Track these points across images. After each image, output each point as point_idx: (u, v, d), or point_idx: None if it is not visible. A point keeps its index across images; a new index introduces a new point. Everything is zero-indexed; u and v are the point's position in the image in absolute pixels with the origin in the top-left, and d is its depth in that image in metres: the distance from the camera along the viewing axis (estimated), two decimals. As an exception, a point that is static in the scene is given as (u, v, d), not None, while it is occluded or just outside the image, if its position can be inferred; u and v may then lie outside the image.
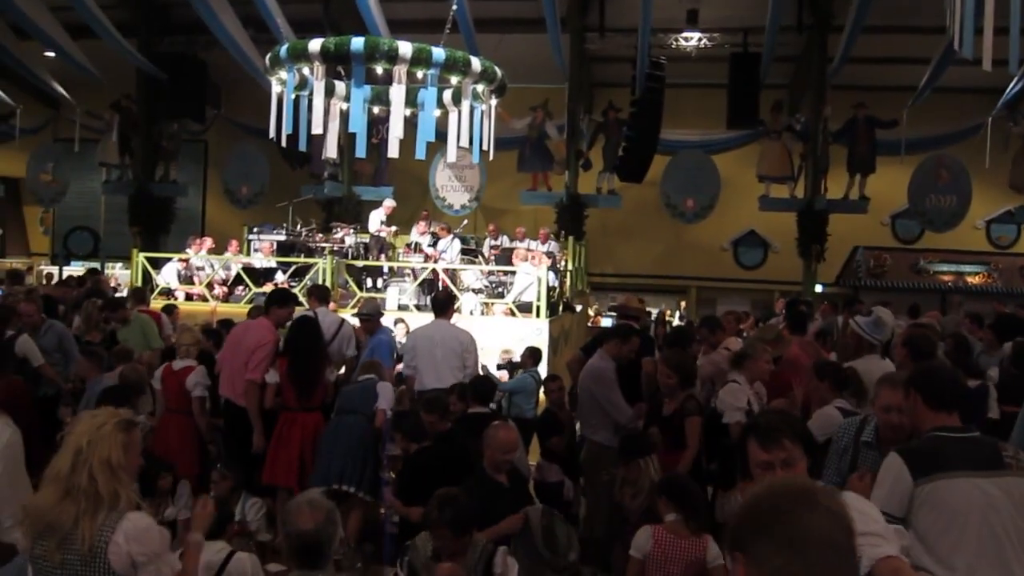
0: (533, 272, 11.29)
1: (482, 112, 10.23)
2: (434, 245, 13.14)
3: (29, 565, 2.77)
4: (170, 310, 9.97)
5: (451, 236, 13.19)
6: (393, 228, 13.66)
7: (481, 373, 7.16)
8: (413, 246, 13.29)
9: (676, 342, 6.80)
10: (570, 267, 13.83)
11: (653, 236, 19.01)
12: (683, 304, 19.38)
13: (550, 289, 11.54)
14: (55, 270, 18.10)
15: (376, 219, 13.76)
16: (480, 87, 9.70)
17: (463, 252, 13.00)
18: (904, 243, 19.12)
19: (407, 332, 8.66)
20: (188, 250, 12.98)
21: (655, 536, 4.01)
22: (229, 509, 4.94)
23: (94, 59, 15.79)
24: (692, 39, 15.83)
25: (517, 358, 9.54)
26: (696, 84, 17.11)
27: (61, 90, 17.13)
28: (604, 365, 6.09)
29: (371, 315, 7.59)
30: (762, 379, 5.56)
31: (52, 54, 16.13)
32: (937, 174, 16.09)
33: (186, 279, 12.64)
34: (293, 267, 12.59)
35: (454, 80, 9.63)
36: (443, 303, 7.14)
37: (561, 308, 12.45)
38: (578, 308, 14.19)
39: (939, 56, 13.16)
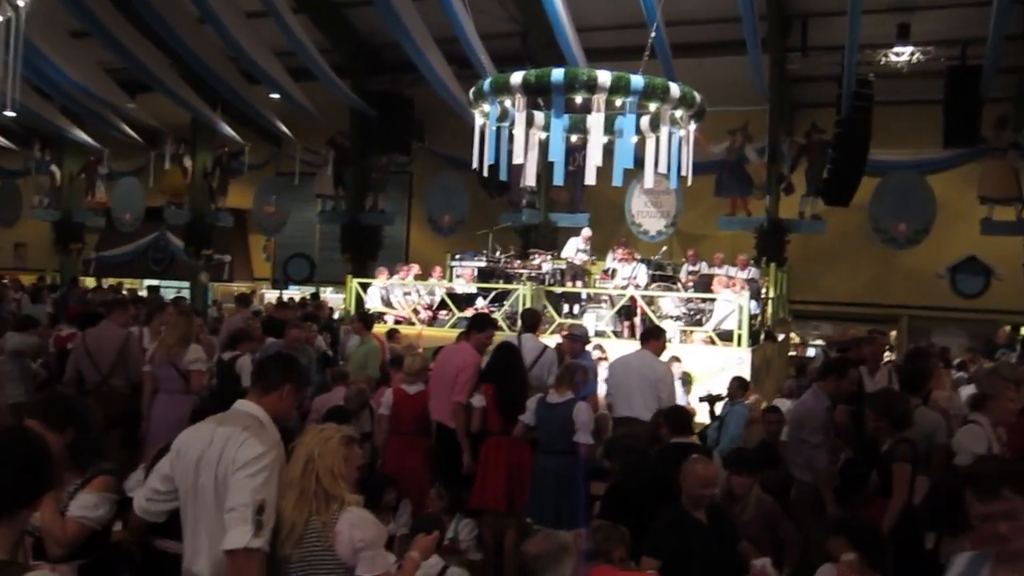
0: (734, 299, 11.03)
1: (680, 137, 10.16)
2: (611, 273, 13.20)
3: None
4: (392, 335, 10.50)
5: (635, 261, 13.14)
6: (590, 256, 13.80)
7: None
8: (609, 272, 13.34)
9: (911, 378, 6.31)
10: (771, 294, 13.40)
11: (860, 262, 18.05)
12: (893, 335, 18.25)
13: (751, 317, 11.23)
14: (275, 294, 19.58)
15: (573, 246, 13.97)
16: (679, 112, 9.64)
17: (659, 279, 12.90)
18: None
19: (601, 358, 8.72)
20: (396, 275, 13.64)
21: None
22: (443, 527, 5.13)
23: (312, 100, 17.04)
24: (903, 54, 14.98)
25: (715, 389, 9.31)
26: (907, 101, 16.17)
27: (284, 128, 18.60)
28: (816, 406, 5.74)
29: (580, 338, 7.70)
30: (1006, 421, 5.11)
31: (276, 96, 17.52)
32: None
33: (387, 303, 13.31)
34: (493, 293, 12.94)
35: (652, 106, 9.63)
36: (649, 333, 7.14)
37: (763, 337, 12.08)
38: (780, 337, 13.71)
39: None
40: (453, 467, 6.08)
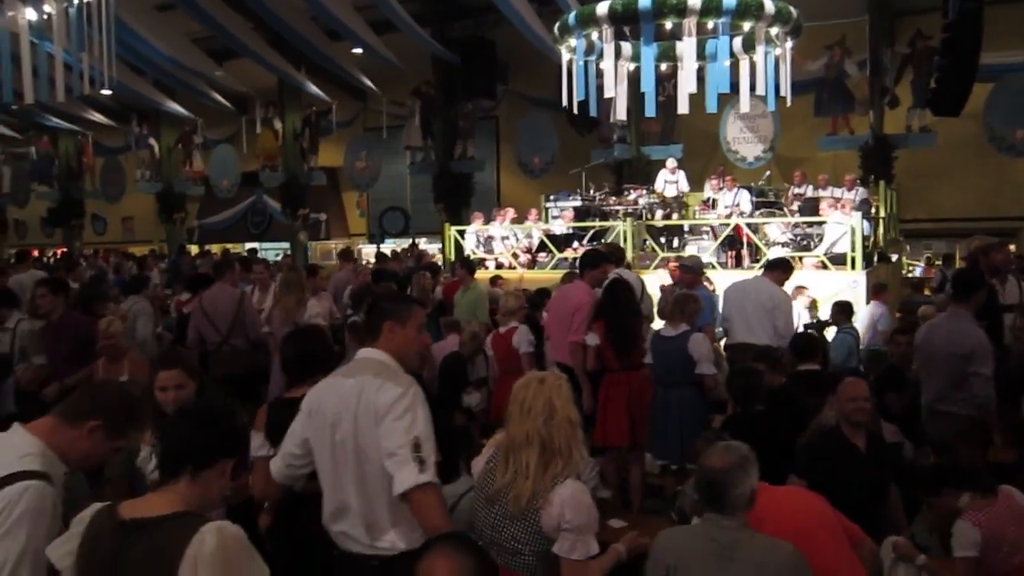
0: (845, 221, 10.59)
1: (776, 56, 9.73)
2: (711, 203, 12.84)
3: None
4: (495, 281, 10.48)
5: (736, 188, 12.73)
6: (681, 190, 13.46)
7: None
8: (709, 202, 12.99)
9: None
10: (882, 214, 12.83)
11: (973, 175, 17.11)
12: (1012, 249, 17.29)
13: (864, 238, 10.78)
14: (373, 248, 19.82)
15: (660, 180, 13.65)
16: (773, 30, 9.22)
17: (763, 205, 12.49)
18: None
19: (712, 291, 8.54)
20: (494, 222, 13.58)
21: (976, 523, 3.53)
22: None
23: (395, 51, 16.98)
24: (1015, -54, 13.97)
25: (823, 315, 8.98)
26: (1021, -2, 15.12)
27: (369, 83, 18.64)
28: (975, 332, 5.12)
29: (694, 268, 7.52)
30: None
31: (359, 51, 17.52)
32: None
33: (486, 248, 13.29)
34: (591, 231, 12.77)
35: (746, 26, 9.23)
36: (775, 264, 6.96)
37: (876, 258, 11.59)
38: (893, 258, 13.15)
39: None
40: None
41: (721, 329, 7.18)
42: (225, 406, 2.43)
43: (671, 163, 13.89)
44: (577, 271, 7.15)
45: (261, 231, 24.40)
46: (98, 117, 22.69)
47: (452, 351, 6.68)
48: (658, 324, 6.52)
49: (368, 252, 19.62)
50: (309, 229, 21.13)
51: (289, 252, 20.10)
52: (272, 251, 22.20)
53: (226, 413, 2.44)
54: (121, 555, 2.10)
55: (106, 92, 14.26)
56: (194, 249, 21.61)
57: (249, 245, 23.11)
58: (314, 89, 19.15)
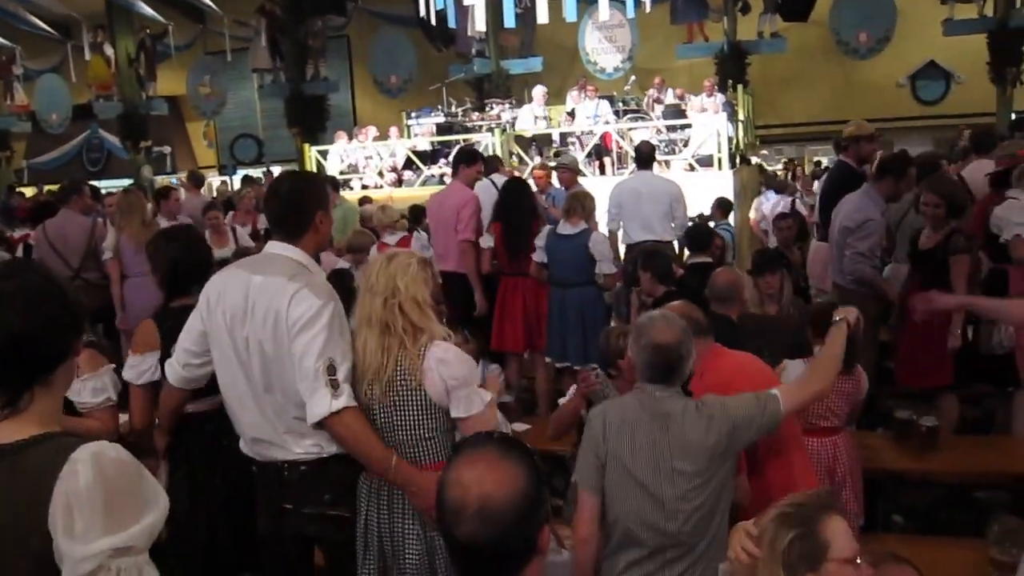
0: (711, 123, 10.69)
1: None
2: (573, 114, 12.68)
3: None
4: (364, 201, 10.06)
5: (597, 98, 12.60)
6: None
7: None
8: (572, 113, 12.85)
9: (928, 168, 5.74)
10: (741, 117, 13.05)
11: (821, 80, 17.77)
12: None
13: (728, 140, 10.93)
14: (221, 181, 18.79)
15: (528, 115, 13.13)
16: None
17: (626, 114, 12.46)
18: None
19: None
20: (355, 140, 13.05)
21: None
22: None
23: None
24: None
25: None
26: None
27: (208, 1, 17.38)
28: (870, 211, 5.16)
29: (571, 167, 7.33)
30: None
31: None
32: None
33: (352, 169, 12.78)
34: (457, 146, 12.44)
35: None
36: (647, 154, 6.75)
37: (738, 161, 11.81)
38: (753, 160, 13.46)
39: None
40: (465, 311, 5.78)
41: (608, 230, 7.05)
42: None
43: (539, 92, 13.34)
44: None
45: (99, 168, 22.72)
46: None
47: (337, 268, 6.29)
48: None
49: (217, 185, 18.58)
50: (153, 163, 19.75)
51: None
52: (114, 189, 20.68)
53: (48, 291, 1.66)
54: None
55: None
56: (29, 192, 19.87)
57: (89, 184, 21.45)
58: (147, 9, 17.69)
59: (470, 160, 6.24)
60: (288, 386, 2.64)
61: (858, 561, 1.69)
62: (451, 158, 12.03)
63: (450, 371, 2.59)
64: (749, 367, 3.25)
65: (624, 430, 2.62)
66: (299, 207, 2.78)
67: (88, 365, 3.05)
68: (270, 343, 2.62)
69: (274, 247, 2.78)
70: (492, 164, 7.70)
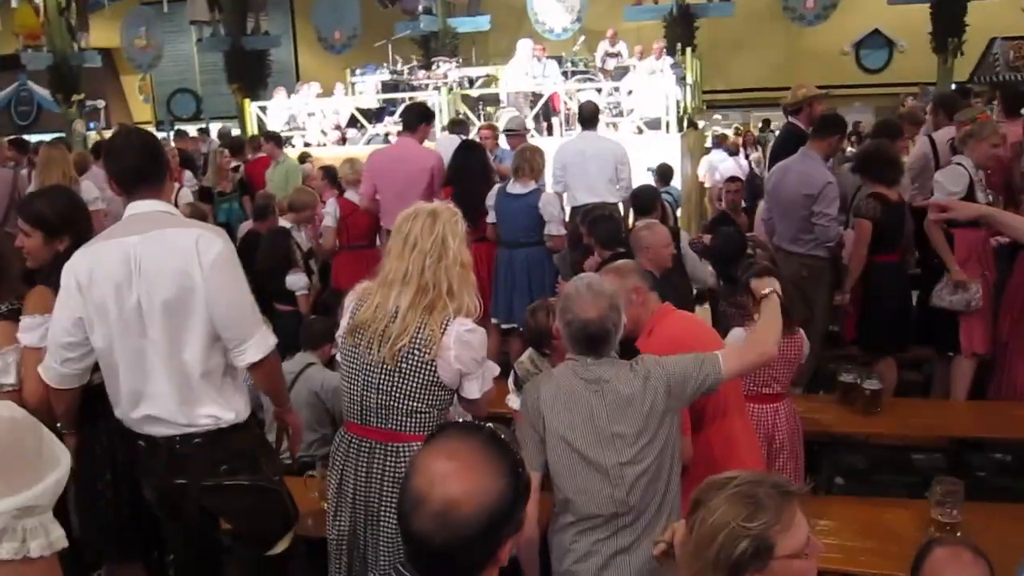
0: (658, 86, 10.63)
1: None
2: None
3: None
4: (304, 158, 9.79)
5: (545, 59, 12.42)
6: None
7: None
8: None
9: (885, 134, 5.68)
10: (689, 80, 13.01)
11: (767, 45, 17.80)
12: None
13: (676, 103, 10.89)
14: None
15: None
16: None
17: (575, 74, 12.33)
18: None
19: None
20: (295, 95, 12.73)
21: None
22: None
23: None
24: None
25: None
26: None
27: (143, -52, 16.71)
28: (822, 173, 5.11)
29: (519, 130, 7.17)
30: (986, 165, 4.89)
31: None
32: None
33: (293, 126, 12.46)
34: (403, 104, 12.20)
35: None
36: (591, 114, 6.62)
37: (685, 125, 11.79)
38: (700, 124, 13.48)
39: None
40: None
41: (554, 192, 6.96)
42: None
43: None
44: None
45: (29, 121, 21.78)
46: None
47: (275, 227, 6.08)
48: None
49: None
50: (86, 117, 19.05)
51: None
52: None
53: None
54: None
55: None
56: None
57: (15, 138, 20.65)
58: (78, -45, 16.96)
59: (431, 118, 6.08)
60: (199, 340, 2.53)
61: (807, 551, 1.61)
62: (399, 115, 11.87)
63: (472, 354, 2.50)
64: (697, 327, 3.20)
65: (559, 402, 2.53)
66: (158, 157, 2.67)
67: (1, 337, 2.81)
68: (174, 298, 2.49)
69: (139, 206, 2.62)
70: (463, 127, 7.59)
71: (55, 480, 1.40)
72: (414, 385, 2.50)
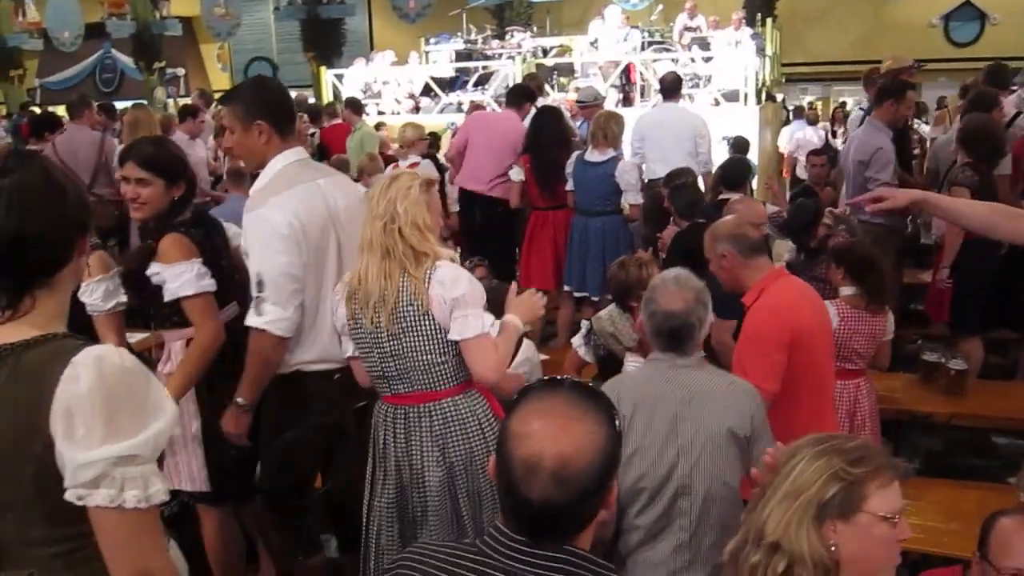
0: (738, 57, 10.42)
1: None
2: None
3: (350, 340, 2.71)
4: (379, 127, 9.89)
5: (627, 27, 12.29)
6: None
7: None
8: (595, 44, 12.55)
9: (979, 106, 5.43)
10: (768, 52, 12.71)
11: (850, 17, 17.22)
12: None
13: (756, 75, 10.67)
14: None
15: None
16: None
17: (652, 44, 12.14)
18: None
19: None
20: (371, 63, 12.83)
21: (839, 312, 3.64)
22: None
23: None
24: None
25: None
26: None
27: (224, -84, 16.93)
28: (878, 140, 5.11)
29: (592, 101, 7.08)
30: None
31: None
32: None
33: (369, 94, 12.56)
34: (478, 74, 12.20)
35: None
36: (672, 85, 6.53)
37: (764, 97, 11.54)
38: (779, 98, 13.19)
39: None
40: (485, 240, 5.66)
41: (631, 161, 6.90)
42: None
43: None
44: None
45: (113, 89, 22.42)
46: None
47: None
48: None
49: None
50: (166, 85, 19.48)
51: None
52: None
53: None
54: None
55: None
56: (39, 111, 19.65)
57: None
58: (161, -76, 17.28)
59: (534, 98, 6.24)
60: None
61: (895, 520, 1.57)
62: (471, 86, 11.87)
63: (447, 292, 2.50)
64: (812, 294, 3.13)
65: (641, 414, 2.45)
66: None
67: (97, 267, 2.99)
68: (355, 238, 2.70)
69: (295, 153, 2.82)
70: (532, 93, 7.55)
71: (156, 431, 1.45)
72: (420, 340, 2.53)
